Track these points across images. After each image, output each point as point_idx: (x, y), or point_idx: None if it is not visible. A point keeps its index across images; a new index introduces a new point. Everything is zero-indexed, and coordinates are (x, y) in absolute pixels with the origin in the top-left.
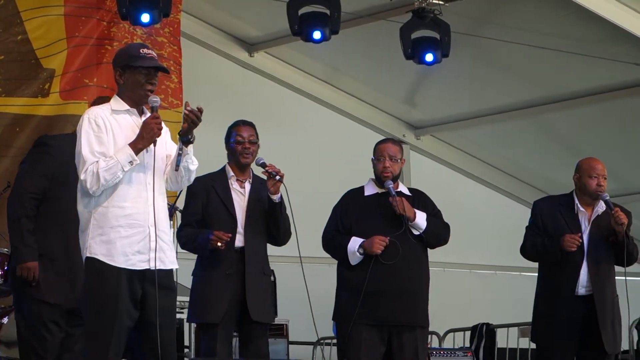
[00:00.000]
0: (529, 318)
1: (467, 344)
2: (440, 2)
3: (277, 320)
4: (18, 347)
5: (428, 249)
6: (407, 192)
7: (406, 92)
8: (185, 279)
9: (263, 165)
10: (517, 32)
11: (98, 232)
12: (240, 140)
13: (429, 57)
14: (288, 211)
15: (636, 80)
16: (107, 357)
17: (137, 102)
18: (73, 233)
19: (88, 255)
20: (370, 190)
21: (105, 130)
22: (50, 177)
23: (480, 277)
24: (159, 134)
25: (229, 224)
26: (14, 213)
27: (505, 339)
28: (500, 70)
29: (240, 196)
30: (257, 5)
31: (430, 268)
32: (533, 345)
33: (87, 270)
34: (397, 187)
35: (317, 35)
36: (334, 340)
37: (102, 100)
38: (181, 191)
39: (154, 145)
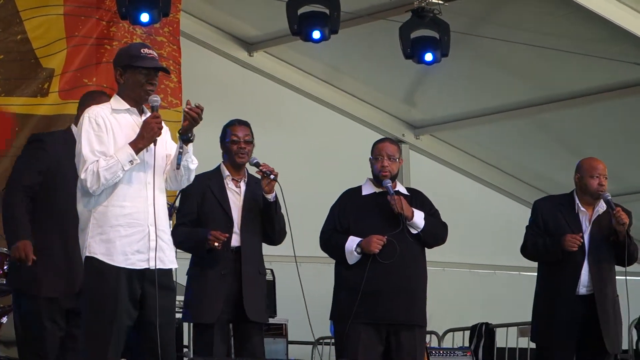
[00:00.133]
0: (528, 318)
1: (467, 344)
2: (440, 2)
3: (277, 320)
4: (16, 346)
5: (426, 248)
6: (405, 191)
7: (405, 91)
8: (184, 279)
9: (257, 164)
10: (517, 31)
11: (98, 232)
12: (235, 140)
13: (429, 57)
14: (283, 210)
15: (636, 79)
16: (106, 356)
17: (137, 102)
18: (71, 231)
19: (87, 254)
20: (368, 189)
21: (105, 130)
22: (45, 172)
23: (480, 277)
24: (159, 134)
25: (224, 224)
26: (7, 203)
27: (505, 339)
28: (500, 70)
29: (236, 196)
30: (257, 5)
31: (429, 267)
32: (532, 345)
33: (86, 270)
34: (395, 187)
35: (316, 35)
36: (333, 340)
37: (91, 95)
38: (181, 190)
39: (154, 145)
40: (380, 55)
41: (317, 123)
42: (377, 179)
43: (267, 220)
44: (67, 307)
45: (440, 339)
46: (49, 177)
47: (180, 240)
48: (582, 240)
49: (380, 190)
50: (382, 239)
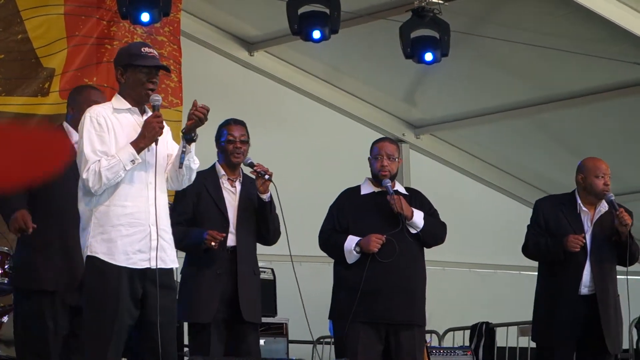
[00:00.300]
0: (528, 317)
1: (467, 343)
2: (440, 2)
3: (277, 319)
4: (14, 346)
5: (425, 248)
6: (403, 191)
7: (406, 91)
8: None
9: (251, 165)
10: (517, 31)
11: (99, 231)
12: (231, 140)
13: (429, 57)
14: (278, 209)
15: (635, 79)
16: (107, 356)
17: (138, 101)
18: (70, 228)
19: (89, 253)
20: (367, 189)
21: (107, 129)
22: None
23: (480, 276)
24: (161, 133)
25: (220, 224)
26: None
27: (505, 338)
28: (500, 70)
29: (231, 195)
30: (257, 5)
31: (429, 267)
32: (533, 344)
33: (87, 269)
34: (394, 187)
35: (316, 34)
36: (333, 339)
37: (78, 90)
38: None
39: (156, 144)
40: (380, 55)
41: (317, 122)
42: (376, 179)
43: (262, 221)
44: (71, 304)
45: (441, 338)
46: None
47: (176, 239)
48: (584, 241)
49: (379, 189)
50: (381, 238)
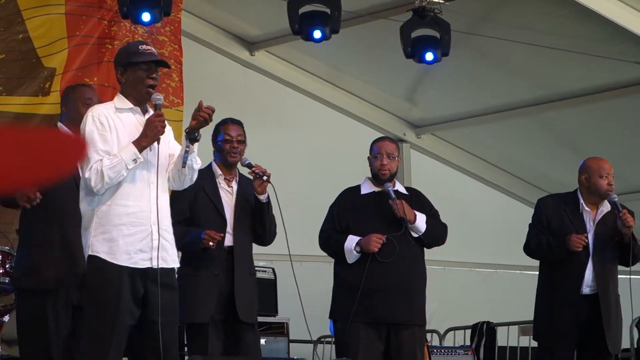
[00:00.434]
0: (529, 316)
1: (468, 343)
2: (441, 1)
3: (278, 319)
4: (18, 345)
5: (425, 249)
6: (403, 190)
7: (406, 90)
8: None
9: (249, 165)
10: (517, 30)
11: (100, 231)
12: (228, 139)
13: (429, 56)
14: (276, 209)
15: (636, 78)
16: (108, 355)
17: (140, 100)
18: (70, 227)
19: (90, 253)
20: (367, 188)
21: (109, 129)
22: None
23: (481, 276)
24: (163, 132)
25: (218, 224)
26: None
27: (506, 338)
28: (501, 69)
29: (228, 195)
30: (258, 4)
31: (430, 266)
32: (534, 344)
33: (89, 269)
34: (394, 186)
35: (317, 34)
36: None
37: (73, 89)
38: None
39: (158, 144)
40: (381, 55)
41: (318, 122)
42: (376, 178)
43: (258, 221)
44: (74, 302)
45: (442, 337)
46: None
47: (176, 239)
48: (586, 241)
49: (379, 189)
50: (382, 237)
